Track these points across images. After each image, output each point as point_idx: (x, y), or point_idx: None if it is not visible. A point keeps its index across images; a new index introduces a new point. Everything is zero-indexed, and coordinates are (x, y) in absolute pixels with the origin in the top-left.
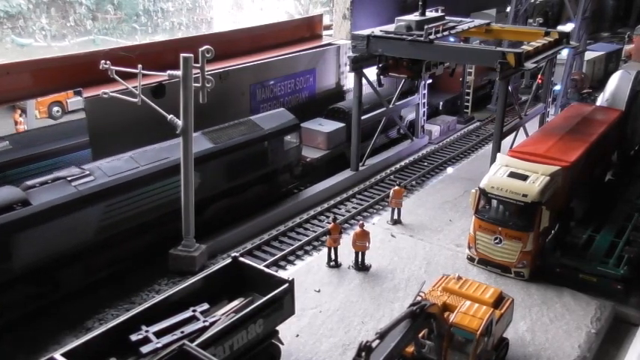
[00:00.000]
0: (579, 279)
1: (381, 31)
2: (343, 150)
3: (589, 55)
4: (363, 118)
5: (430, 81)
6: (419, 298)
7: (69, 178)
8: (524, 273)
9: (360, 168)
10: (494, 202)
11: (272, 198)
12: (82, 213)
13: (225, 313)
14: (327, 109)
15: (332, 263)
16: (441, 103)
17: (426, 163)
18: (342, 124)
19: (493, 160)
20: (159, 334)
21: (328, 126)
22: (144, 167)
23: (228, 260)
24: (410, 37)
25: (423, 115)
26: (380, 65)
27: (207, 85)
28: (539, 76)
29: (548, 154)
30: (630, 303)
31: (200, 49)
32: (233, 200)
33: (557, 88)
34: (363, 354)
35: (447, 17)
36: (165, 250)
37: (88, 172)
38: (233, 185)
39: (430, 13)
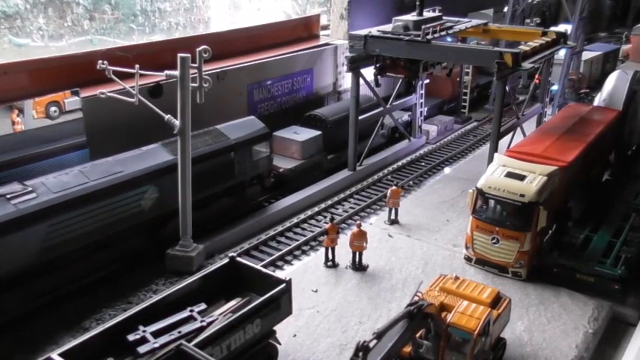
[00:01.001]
0: (577, 279)
1: (378, 31)
2: (320, 160)
3: (586, 55)
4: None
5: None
6: (416, 298)
7: (8, 196)
8: (521, 273)
9: (358, 168)
10: (492, 202)
11: (240, 211)
12: (22, 234)
13: (222, 313)
14: (304, 117)
15: (329, 263)
16: (426, 109)
17: (423, 163)
18: (318, 133)
19: (490, 160)
20: (156, 334)
21: (303, 134)
22: (94, 182)
23: (226, 260)
24: (407, 37)
25: (421, 116)
26: (377, 65)
27: (205, 85)
28: (536, 76)
29: (546, 154)
30: (627, 303)
31: (197, 49)
32: (196, 215)
33: (555, 88)
34: (361, 354)
35: (444, 17)
36: (122, 272)
37: (30, 189)
38: (196, 199)
39: (427, 13)
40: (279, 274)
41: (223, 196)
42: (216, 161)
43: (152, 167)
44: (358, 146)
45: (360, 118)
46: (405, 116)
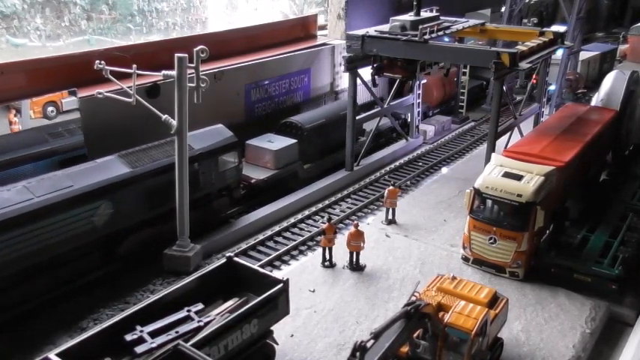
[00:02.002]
0: (574, 279)
1: (375, 31)
2: (295, 169)
3: (584, 55)
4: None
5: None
6: (413, 298)
7: None
8: (518, 273)
9: (355, 168)
10: (489, 202)
11: (207, 225)
12: None
13: (219, 313)
14: (279, 124)
15: (326, 263)
16: (409, 114)
17: (420, 163)
18: (293, 141)
19: (488, 160)
20: (153, 334)
21: (278, 143)
22: (40, 199)
23: (223, 260)
24: (404, 37)
25: (418, 115)
26: (374, 65)
27: (202, 85)
28: (533, 76)
29: (543, 154)
30: (625, 303)
31: (195, 49)
32: (157, 230)
33: (552, 88)
34: (358, 354)
35: (441, 17)
36: (71, 297)
37: None
38: (156, 214)
39: (425, 13)
40: (276, 274)
41: (190, 210)
42: None
43: (106, 181)
44: (337, 155)
45: (359, 117)
46: (389, 121)
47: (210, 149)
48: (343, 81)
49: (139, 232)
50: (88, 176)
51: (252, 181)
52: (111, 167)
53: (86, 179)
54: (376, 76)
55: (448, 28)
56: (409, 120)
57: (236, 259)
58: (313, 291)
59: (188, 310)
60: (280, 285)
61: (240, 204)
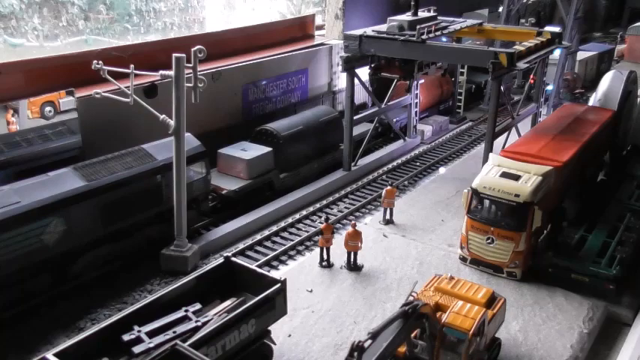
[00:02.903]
0: (572, 279)
1: (373, 31)
2: (270, 179)
3: (581, 55)
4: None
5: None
6: (411, 298)
7: None
8: (516, 273)
9: (353, 168)
10: (487, 202)
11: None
12: None
13: (217, 313)
14: (254, 131)
15: (324, 263)
16: (395, 120)
17: (418, 163)
18: (268, 149)
19: (485, 160)
20: (151, 334)
21: (252, 151)
22: None
23: (221, 260)
24: (402, 37)
25: (416, 115)
26: (372, 65)
27: (200, 85)
28: (531, 76)
29: (541, 154)
30: (622, 303)
31: (192, 49)
32: (116, 247)
33: (550, 88)
34: (356, 354)
35: (439, 17)
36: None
37: None
38: (115, 229)
39: (422, 13)
40: (274, 274)
41: (149, 225)
42: (138, 186)
43: (57, 196)
44: (316, 163)
45: (357, 117)
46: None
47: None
48: (340, 81)
49: (95, 251)
50: (38, 191)
51: (223, 192)
52: (64, 181)
53: (35, 194)
54: (374, 76)
55: (446, 28)
56: (394, 123)
57: (234, 259)
58: (311, 291)
59: (186, 310)
60: (278, 285)
61: (210, 216)
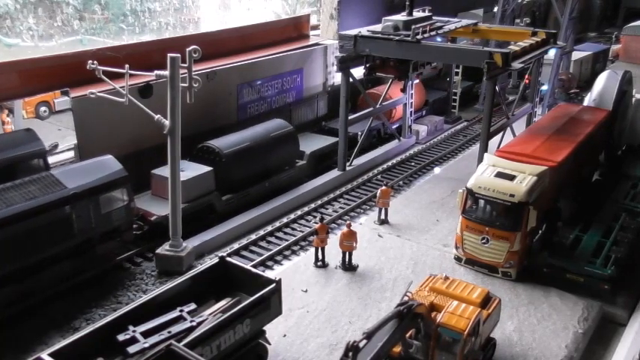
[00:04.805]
0: (566, 279)
1: (368, 31)
2: (211, 201)
3: (576, 55)
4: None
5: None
6: (406, 298)
7: None
8: (511, 273)
9: (347, 168)
10: (482, 202)
11: (95, 273)
12: None
13: (212, 313)
14: (196, 149)
15: (319, 263)
16: (361, 132)
17: (413, 163)
18: (208, 169)
19: (480, 160)
20: (146, 334)
21: (189, 171)
22: None
23: (216, 260)
24: (397, 37)
25: (411, 115)
26: (367, 65)
27: (195, 85)
28: (526, 76)
29: (536, 154)
30: (617, 303)
31: (187, 49)
32: (20, 287)
33: (545, 88)
34: (351, 354)
35: (434, 17)
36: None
37: None
38: (14, 268)
39: (417, 13)
40: (268, 274)
41: (60, 260)
42: (43, 219)
43: None
44: (266, 183)
45: (352, 117)
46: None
47: (88, 187)
48: (335, 81)
49: None
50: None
51: (153, 218)
52: None
53: None
54: (369, 76)
55: (441, 28)
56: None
57: (228, 259)
58: (306, 291)
59: (181, 310)
60: (273, 285)
61: (137, 246)
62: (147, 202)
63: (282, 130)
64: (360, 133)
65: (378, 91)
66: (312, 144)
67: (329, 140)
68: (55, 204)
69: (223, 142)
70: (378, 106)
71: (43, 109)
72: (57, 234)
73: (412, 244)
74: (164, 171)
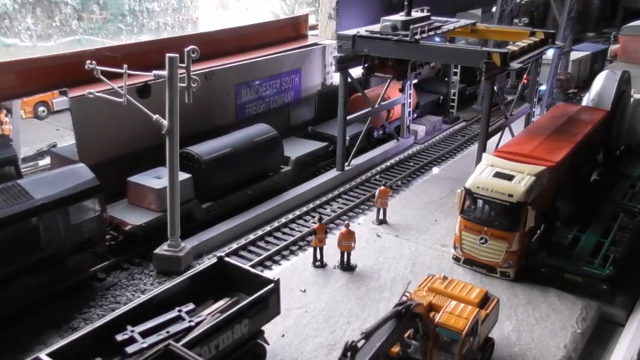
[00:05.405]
0: (565, 279)
1: (366, 31)
2: (190, 209)
3: (575, 55)
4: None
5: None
6: (404, 298)
7: None
8: (509, 273)
9: (346, 168)
10: (480, 202)
11: (66, 287)
12: None
13: (210, 313)
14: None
15: (317, 263)
16: (349, 138)
17: (411, 163)
18: (186, 176)
19: (479, 160)
20: (144, 334)
21: (166, 179)
22: None
23: (214, 260)
24: (395, 37)
25: (409, 115)
26: (365, 65)
27: (193, 85)
28: (524, 76)
29: (534, 154)
30: (616, 303)
31: (186, 49)
32: None
33: (543, 88)
34: (349, 354)
35: (432, 17)
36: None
37: None
38: None
39: (416, 13)
40: (267, 274)
41: (26, 275)
42: (8, 231)
43: None
44: (249, 190)
45: (350, 117)
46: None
47: (56, 198)
48: (334, 81)
49: None
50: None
51: (127, 227)
52: None
53: None
54: (367, 76)
55: (439, 28)
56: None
57: (227, 259)
58: (304, 291)
59: (179, 310)
60: (271, 285)
61: (111, 258)
62: (122, 210)
63: (265, 136)
64: (347, 138)
65: (368, 93)
66: (297, 149)
67: (316, 145)
68: (20, 215)
69: (203, 148)
70: (376, 105)
71: (41, 109)
72: (23, 247)
73: (410, 244)
74: (140, 178)
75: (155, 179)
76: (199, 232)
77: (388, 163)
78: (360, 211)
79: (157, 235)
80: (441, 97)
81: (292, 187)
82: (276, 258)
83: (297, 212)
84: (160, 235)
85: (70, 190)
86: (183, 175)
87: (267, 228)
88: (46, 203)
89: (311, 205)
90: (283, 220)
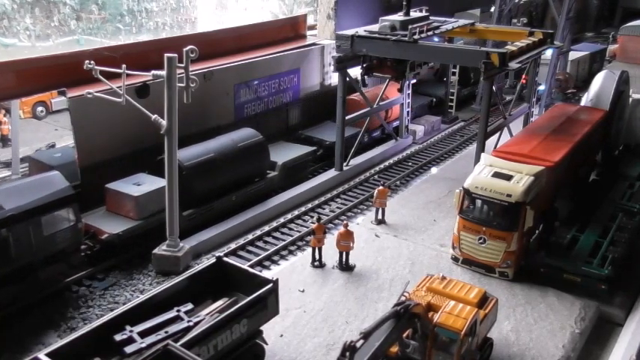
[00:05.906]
0: (563, 279)
1: (365, 31)
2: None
3: (573, 55)
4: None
5: None
6: (403, 298)
7: None
8: (508, 273)
9: (345, 168)
10: (479, 202)
11: (38, 298)
12: None
13: (209, 313)
14: (156, 161)
15: (316, 263)
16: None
17: (410, 163)
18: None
19: (477, 160)
20: (143, 334)
21: (145, 186)
22: None
23: (213, 260)
24: (394, 37)
25: (407, 116)
26: (364, 65)
27: (192, 85)
28: (523, 76)
29: (533, 154)
30: (614, 303)
31: (184, 49)
32: None
33: (542, 88)
34: (347, 354)
35: (431, 17)
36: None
37: None
38: None
39: (414, 13)
40: (265, 274)
41: None
42: None
43: None
44: (233, 196)
45: (348, 117)
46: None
47: (28, 208)
48: (333, 81)
49: None
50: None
51: (104, 236)
52: None
53: None
54: (366, 76)
55: (438, 28)
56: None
57: (225, 259)
58: (303, 291)
59: (178, 310)
60: (270, 285)
61: (86, 268)
62: (99, 218)
63: (250, 140)
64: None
65: (358, 97)
66: (284, 154)
67: (304, 150)
68: None
69: (185, 154)
70: (375, 105)
71: (40, 109)
72: None
73: (409, 244)
74: (119, 185)
75: (134, 186)
76: (199, 232)
77: (387, 163)
78: (359, 211)
79: (137, 243)
80: (434, 100)
81: (278, 193)
82: (275, 258)
83: (296, 212)
84: (140, 243)
85: (42, 199)
86: (161, 182)
87: (266, 228)
88: (15, 214)
89: (309, 205)
90: (282, 220)
